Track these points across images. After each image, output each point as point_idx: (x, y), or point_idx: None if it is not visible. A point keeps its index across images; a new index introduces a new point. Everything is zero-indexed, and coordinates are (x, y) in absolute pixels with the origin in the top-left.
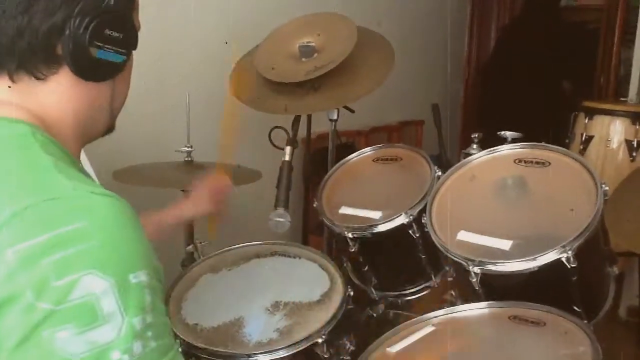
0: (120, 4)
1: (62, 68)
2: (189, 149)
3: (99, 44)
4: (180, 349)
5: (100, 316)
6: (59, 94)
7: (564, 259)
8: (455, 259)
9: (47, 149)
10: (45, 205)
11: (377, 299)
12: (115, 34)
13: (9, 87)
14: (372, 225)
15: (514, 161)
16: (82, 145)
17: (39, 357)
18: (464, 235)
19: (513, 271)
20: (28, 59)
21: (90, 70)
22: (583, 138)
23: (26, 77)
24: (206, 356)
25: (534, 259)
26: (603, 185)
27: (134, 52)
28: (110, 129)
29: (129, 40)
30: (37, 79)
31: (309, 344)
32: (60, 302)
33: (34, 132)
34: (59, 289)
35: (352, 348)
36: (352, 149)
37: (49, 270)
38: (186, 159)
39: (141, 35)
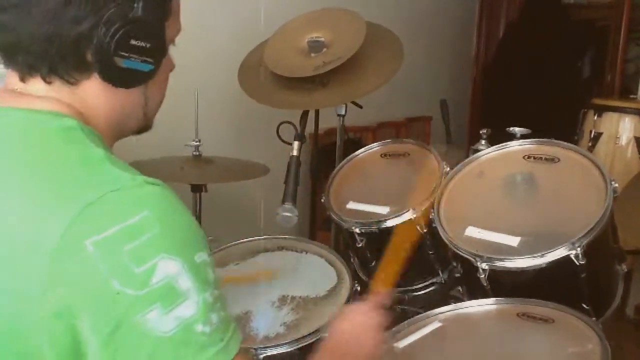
0: (148, 13)
1: (92, 74)
2: (198, 143)
3: (124, 53)
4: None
5: (180, 294)
6: (91, 97)
7: (572, 256)
8: (463, 255)
9: (95, 142)
10: (112, 197)
11: None
12: (142, 44)
13: (49, 83)
14: (379, 221)
15: (523, 157)
16: (115, 142)
17: (136, 340)
18: (472, 232)
19: (521, 268)
20: (59, 65)
21: (117, 78)
22: (592, 135)
23: (58, 81)
24: None
25: (543, 256)
26: (612, 182)
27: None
28: (146, 129)
29: (156, 50)
30: (70, 83)
31: (315, 338)
32: (143, 287)
33: (81, 125)
34: (140, 275)
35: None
36: (359, 144)
37: (128, 259)
38: (194, 153)
39: None
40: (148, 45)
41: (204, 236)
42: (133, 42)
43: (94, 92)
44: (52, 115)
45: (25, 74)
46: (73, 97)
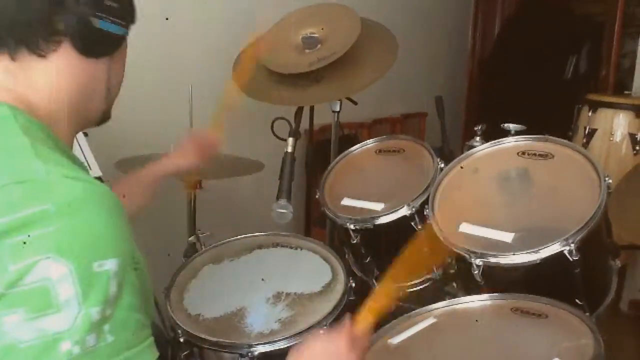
0: None
1: (62, 45)
2: None
3: (100, 14)
4: (153, 346)
5: (54, 303)
6: (56, 72)
7: (566, 252)
8: (457, 251)
9: (27, 132)
10: (13, 188)
11: None
12: (115, 4)
13: (4, 67)
14: (374, 217)
15: (517, 153)
16: (77, 130)
17: None
18: (466, 228)
19: (515, 263)
20: (28, 35)
21: (91, 43)
22: (586, 131)
23: (26, 54)
24: (208, 346)
25: (537, 252)
26: (606, 178)
27: (140, 45)
28: (106, 115)
29: (127, 11)
30: (38, 56)
31: (310, 335)
32: (13, 286)
33: (16, 114)
34: (13, 272)
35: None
36: (354, 140)
37: (6, 253)
38: None
39: (145, 26)
40: (119, 6)
41: (124, 245)
42: (107, 2)
43: (59, 66)
44: None
45: None
46: (26, 83)
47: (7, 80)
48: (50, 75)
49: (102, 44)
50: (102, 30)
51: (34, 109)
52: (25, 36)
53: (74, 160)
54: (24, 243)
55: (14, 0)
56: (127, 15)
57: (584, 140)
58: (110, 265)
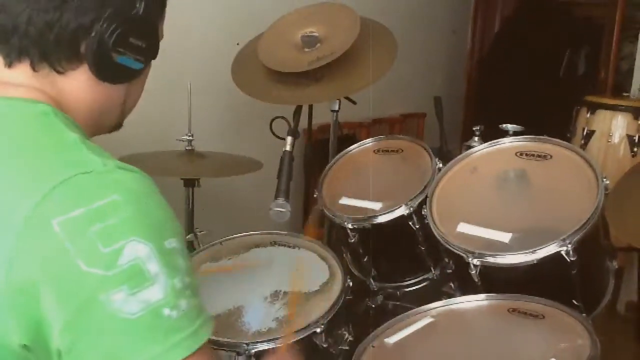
0: (149, 13)
1: (81, 66)
2: (190, 137)
3: (121, 50)
4: None
5: (148, 277)
6: (75, 88)
7: (563, 253)
8: (455, 250)
9: (70, 127)
10: (82, 179)
11: (376, 290)
12: (139, 43)
13: (30, 72)
14: (372, 216)
15: (516, 154)
16: (91, 137)
17: (100, 320)
18: (464, 228)
19: (513, 264)
20: (52, 52)
21: (108, 72)
22: (584, 133)
23: (47, 69)
24: None
25: (534, 252)
26: (604, 179)
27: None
28: (118, 127)
29: (150, 50)
30: (57, 72)
31: (307, 333)
32: (111, 267)
33: (55, 111)
34: (107, 255)
35: (350, 338)
36: (353, 140)
37: (95, 239)
38: (187, 147)
39: None
40: (144, 45)
41: (176, 224)
42: (131, 39)
43: (78, 84)
44: (28, 102)
45: (13, 59)
46: (52, 88)
47: (37, 83)
48: (69, 88)
49: (119, 75)
50: (119, 64)
51: (63, 111)
52: (50, 53)
53: None
54: (107, 229)
55: (46, 17)
56: (150, 52)
57: (582, 142)
58: (174, 242)
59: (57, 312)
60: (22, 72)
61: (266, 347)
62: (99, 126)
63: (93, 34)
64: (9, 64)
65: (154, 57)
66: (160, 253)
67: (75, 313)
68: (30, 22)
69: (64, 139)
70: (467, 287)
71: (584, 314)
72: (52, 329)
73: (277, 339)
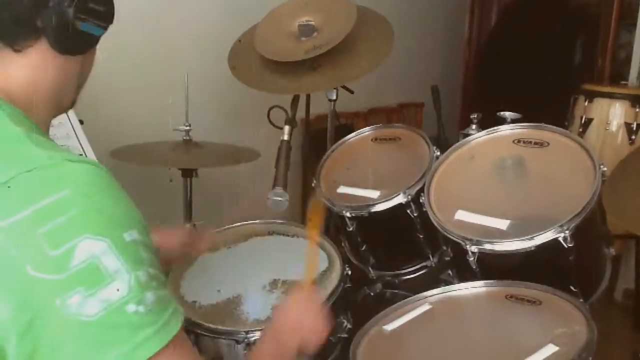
0: None
1: (38, 41)
2: (188, 128)
3: (83, 16)
4: None
5: (107, 275)
6: (32, 67)
7: (561, 239)
8: (453, 238)
9: (16, 121)
10: (24, 178)
11: (374, 278)
12: (98, 7)
13: None
14: (370, 205)
15: (513, 141)
16: (51, 118)
17: (59, 327)
18: (462, 215)
19: (510, 250)
20: (8, 30)
21: (68, 43)
22: (582, 121)
23: (4, 49)
24: (204, 333)
25: (531, 239)
26: (601, 166)
27: (136, 34)
28: (73, 103)
29: (108, 14)
30: (15, 50)
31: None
32: (62, 270)
33: (1, 104)
34: (57, 258)
35: (349, 326)
36: (350, 130)
37: (42, 242)
38: (185, 138)
39: (140, 14)
40: (103, 9)
41: (136, 215)
42: (91, 5)
43: (34, 62)
44: None
45: None
46: (3, 74)
47: None
48: (25, 69)
49: (79, 44)
50: (82, 31)
51: (14, 100)
52: (5, 33)
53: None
54: (56, 230)
55: None
56: (109, 16)
57: (580, 130)
58: (134, 234)
59: (13, 322)
60: None
61: None
62: (58, 105)
63: (51, 4)
64: None
65: (112, 22)
66: (119, 247)
67: (31, 322)
68: None
69: (6, 134)
70: (465, 274)
71: (581, 300)
72: (9, 339)
73: None
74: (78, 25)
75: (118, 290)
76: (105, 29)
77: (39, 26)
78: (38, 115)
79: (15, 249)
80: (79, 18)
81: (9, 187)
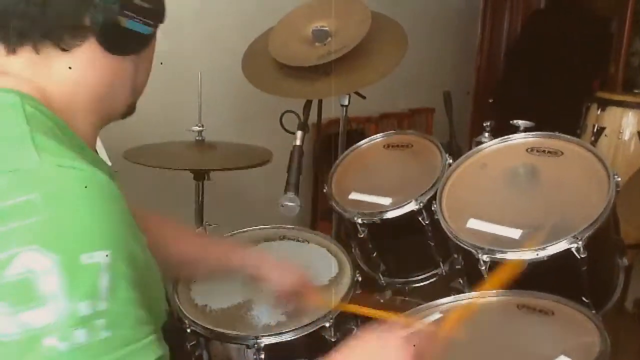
0: None
1: (87, 40)
2: (201, 128)
3: (128, 13)
4: (157, 342)
5: (37, 296)
6: (80, 67)
7: (574, 249)
8: (465, 246)
9: (32, 120)
10: (3, 177)
11: (384, 285)
12: (145, 4)
13: (28, 59)
14: (381, 212)
15: (526, 150)
16: (102, 124)
17: None
18: (474, 223)
19: (522, 260)
20: (54, 29)
21: (116, 42)
22: (595, 129)
23: (50, 48)
24: (214, 337)
25: (544, 249)
26: (615, 176)
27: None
28: (130, 110)
29: (157, 12)
30: (62, 50)
31: (316, 327)
32: None
33: (24, 103)
34: None
35: (358, 333)
36: (361, 135)
37: None
38: (197, 138)
39: None
40: (150, 6)
41: (121, 237)
42: (137, 1)
43: (83, 62)
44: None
45: (15, 44)
46: (48, 76)
47: (28, 71)
48: (73, 70)
49: (128, 42)
50: (129, 29)
51: (51, 102)
52: (51, 30)
53: (90, 155)
54: (6, 233)
55: None
56: (157, 15)
57: (592, 139)
58: (100, 257)
59: None
60: (21, 57)
61: (275, 341)
62: (110, 109)
63: (97, 1)
64: (13, 50)
65: (162, 21)
66: (68, 268)
67: None
68: (28, 1)
69: (11, 133)
70: (477, 283)
71: (593, 311)
72: None
73: (285, 332)
74: (123, 22)
75: (43, 317)
76: (155, 27)
77: (86, 24)
78: (79, 120)
79: None
80: (125, 15)
81: None
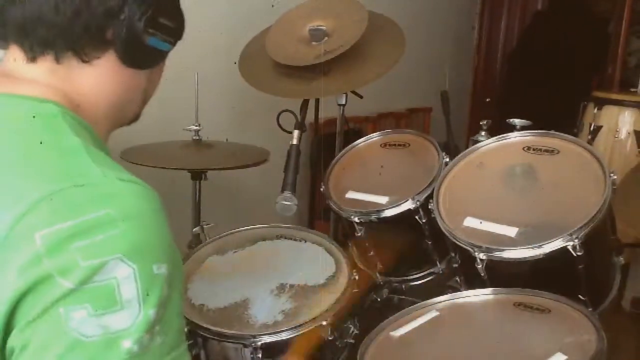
0: None
1: (106, 53)
2: (198, 127)
3: (152, 31)
4: (188, 349)
5: (118, 301)
6: (98, 78)
7: (570, 247)
8: (461, 245)
9: (76, 131)
10: (73, 191)
11: (381, 283)
12: (169, 23)
13: (49, 67)
14: (378, 210)
15: (523, 149)
16: (112, 130)
17: (51, 332)
18: (470, 222)
19: (519, 258)
20: (78, 41)
21: (136, 57)
22: (591, 128)
23: (72, 58)
24: (211, 336)
25: (541, 247)
26: (611, 174)
27: None
28: (137, 117)
29: (177, 30)
30: (83, 61)
31: (313, 326)
32: (83, 283)
33: (64, 113)
34: (85, 269)
35: (355, 331)
36: (358, 134)
37: (76, 254)
38: (194, 137)
39: None
40: (172, 24)
41: (172, 249)
42: (161, 20)
43: (101, 73)
44: (35, 101)
45: (37, 52)
46: (70, 83)
47: (48, 80)
48: (92, 80)
49: (147, 58)
50: (150, 46)
51: (79, 109)
52: (76, 41)
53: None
54: (91, 246)
55: (73, 3)
56: (178, 33)
57: (589, 137)
58: (164, 268)
59: (24, 315)
60: (41, 66)
61: (272, 340)
62: (121, 118)
63: (122, 17)
64: (32, 58)
65: (180, 38)
66: (144, 277)
67: (36, 317)
68: (57, 10)
69: (65, 145)
70: (473, 282)
71: (590, 309)
72: (15, 328)
73: (283, 331)
74: (146, 39)
75: (122, 321)
76: (173, 44)
77: (108, 38)
78: (99, 127)
79: (48, 257)
80: (148, 32)
81: (51, 199)
